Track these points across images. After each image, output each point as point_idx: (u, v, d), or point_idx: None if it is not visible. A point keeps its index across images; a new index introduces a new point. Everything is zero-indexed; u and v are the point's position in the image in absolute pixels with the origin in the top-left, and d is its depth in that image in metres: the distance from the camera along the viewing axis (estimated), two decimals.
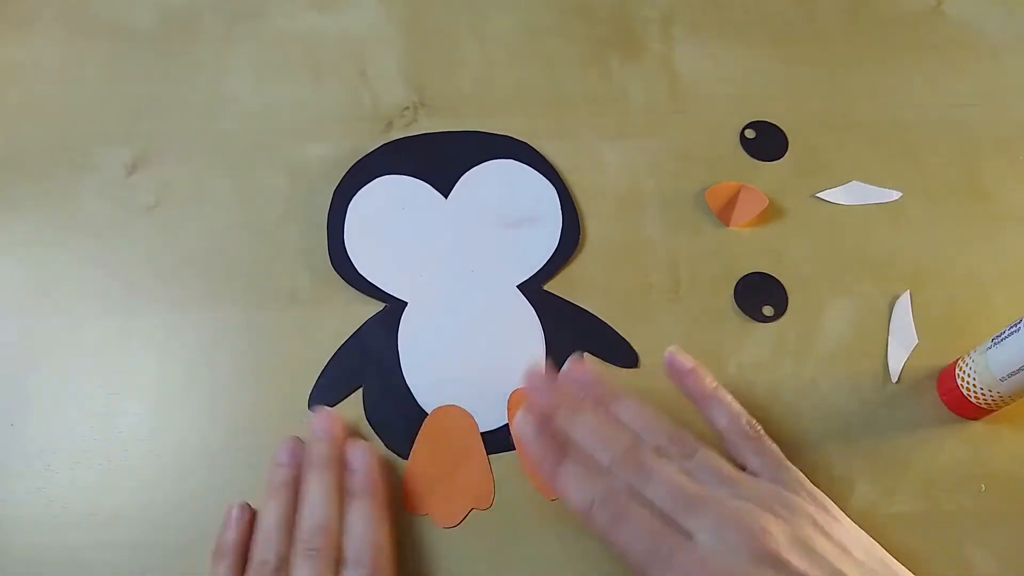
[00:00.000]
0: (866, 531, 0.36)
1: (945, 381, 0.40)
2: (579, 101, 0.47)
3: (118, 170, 0.44)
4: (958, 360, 0.39)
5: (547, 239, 0.43)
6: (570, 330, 0.41)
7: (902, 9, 0.51)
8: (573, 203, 0.44)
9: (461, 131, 0.46)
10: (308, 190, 0.44)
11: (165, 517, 0.37)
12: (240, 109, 0.46)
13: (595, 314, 0.42)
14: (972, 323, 0.42)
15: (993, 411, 0.39)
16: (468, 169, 0.45)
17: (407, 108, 0.47)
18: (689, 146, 0.46)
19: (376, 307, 0.41)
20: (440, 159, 0.45)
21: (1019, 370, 0.35)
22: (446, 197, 0.44)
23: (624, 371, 0.41)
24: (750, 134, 0.47)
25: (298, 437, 0.37)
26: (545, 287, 0.42)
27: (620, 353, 0.41)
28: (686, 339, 0.41)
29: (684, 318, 0.42)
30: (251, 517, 0.35)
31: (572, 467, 0.33)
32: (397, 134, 0.46)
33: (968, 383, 0.38)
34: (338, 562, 0.33)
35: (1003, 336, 0.36)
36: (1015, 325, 0.35)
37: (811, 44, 0.50)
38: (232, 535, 0.35)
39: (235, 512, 0.35)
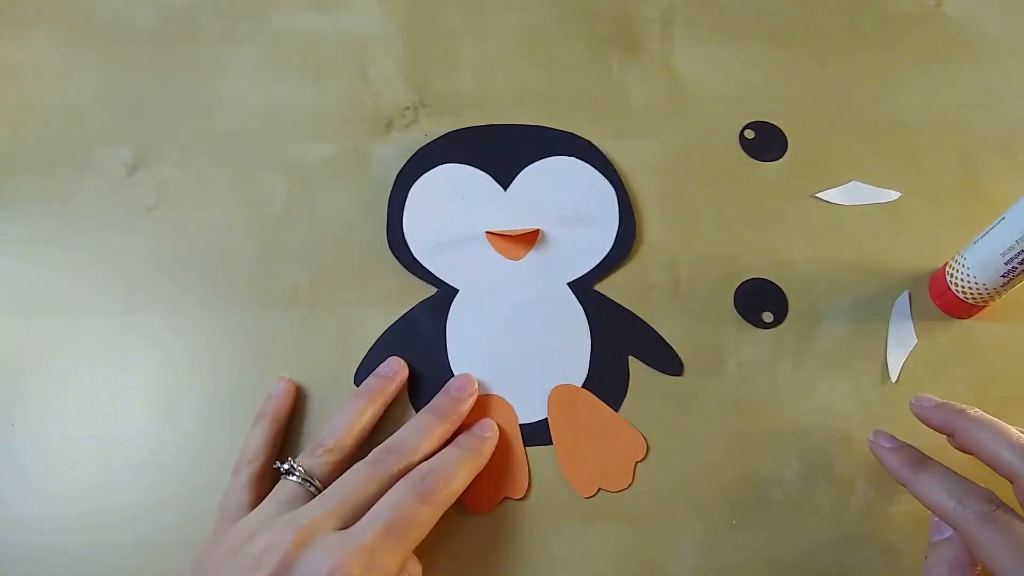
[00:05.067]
0: (866, 531, 0.36)
1: (936, 285, 0.42)
2: (579, 101, 0.47)
3: (118, 170, 0.44)
4: (947, 263, 0.41)
5: (602, 240, 0.43)
6: (617, 333, 0.41)
7: (902, 9, 0.51)
8: (631, 206, 0.44)
9: (526, 124, 0.46)
10: (308, 190, 0.44)
11: (165, 517, 0.37)
12: (240, 109, 0.46)
13: (645, 320, 0.42)
14: (972, 323, 0.42)
15: (983, 307, 0.41)
16: (529, 163, 0.45)
17: (407, 108, 0.47)
18: (689, 146, 0.46)
19: (377, 305, 0.41)
20: (503, 151, 0.45)
21: (1005, 260, 0.37)
22: (505, 189, 0.44)
23: (668, 379, 0.41)
24: (749, 134, 0.47)
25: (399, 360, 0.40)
26: (596, 287, 0.42)
27: (665, 361, 0.41)
28: (686, 339, 0.41)
29: (684, 318, 0.42)
30: (295, 393, 0.39)
31: (934, 472, 0.33)
32: (397, 134, 0.46)
33: (958, 281, 0.40)
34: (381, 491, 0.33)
35: (987, 232, 0.38)
36: (998, 220, 0.38)
37: (811, 44, 0.50)
38: (275, 404, 0.38)
39: (282, 384, 0.39)
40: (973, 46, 0.50)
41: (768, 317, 0.42)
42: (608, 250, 0.43)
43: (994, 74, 0.49)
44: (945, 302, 0.42)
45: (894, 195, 0.46)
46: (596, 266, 0.43)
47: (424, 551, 0.36)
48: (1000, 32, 0.51)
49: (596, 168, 0.45)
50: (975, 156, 0.47)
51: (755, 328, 0.42)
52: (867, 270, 0.44)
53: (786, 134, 0.47)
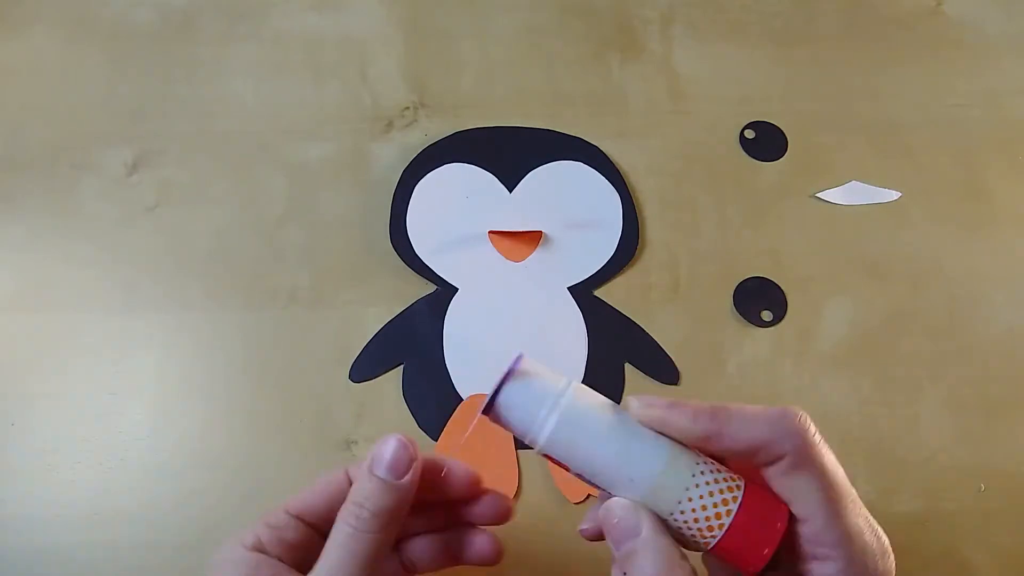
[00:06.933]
0: None
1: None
2: (579, 101, 0.47)
3: (118, 170, 0.44)
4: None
5: (605, 246, 0.43)
6: (614, 339, 0.41)
7: (902, 9, 0.51)
8: (636, 213, 0.44)
9: (535, 128, 0.46)
10: (308, 190, 0.44)
11: (165, 517, 0.37)
12: (240, 109, 0.46)
13: (644, 322, 0.42)
14: (972, 323, 0.43)
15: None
16: (536, 166, 0.45)
17: (407, 108, 0.47)
18: (689, 146, 0.46)
19: (376, 305, 0.42)
20: (510, 153, 0.45)
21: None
22: (511, 191, 0.44)
23: (664, 387, 0.41)
24: (750, 134, 0.47)
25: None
26: (595, 293, 0.43)
27: (662, 369, 0.41)
28: (685, 339, 0.41)
29: (683, 318, 0.42)
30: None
31: None
32: (397, 134, 0.46)
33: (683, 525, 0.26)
34: None
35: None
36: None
37: (811, 44, 0.50)
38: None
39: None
40: (973, 46, 0.50)
41: (767, 316, 0.42)
42: (610, 256, 0.43)
43: (994, 74, 0.49)
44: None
45: (894, 195, 0.46)
46: (597, 272, 0.43)
47: None
48: (1000, 32, 0.51)
49: (602, 174, 0.45)
50: (975, 156, 0.47)
51: (754, 327, 0.42)
52: (867, 270, 0.44)
53: (786, 134, 0.47)
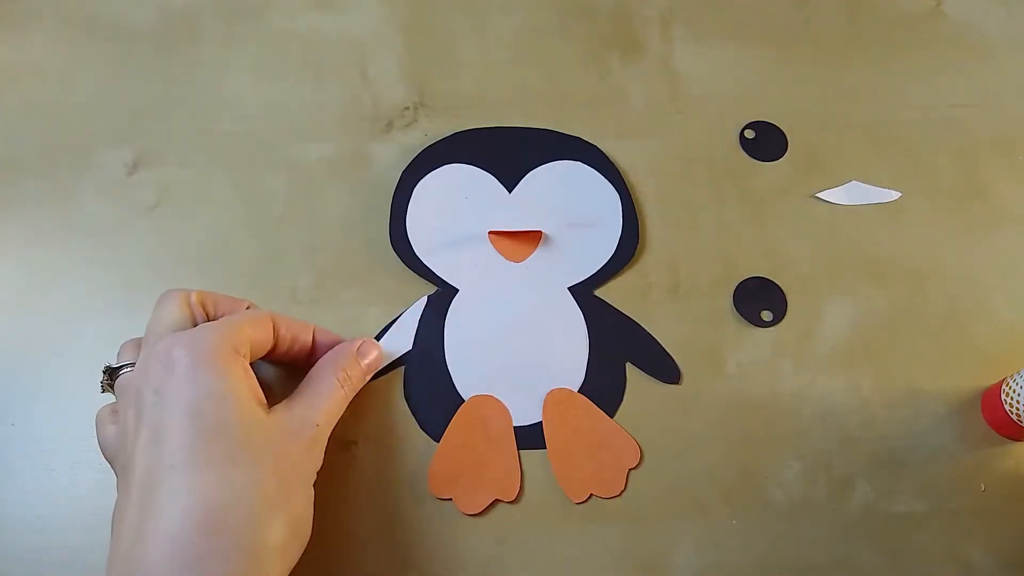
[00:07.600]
0: (866, 531, 0.36)
1: (989, 401, 0.40)
2: (579, 101, 0.47)
3: (118, 170, 0.44)
4: (1004, 380, 0.39)
5: (605, 246, 0.43)
6: (615, 339, 0.41)
7: (902, 9, 0.51)
8: (636, 212, 0.44)
9: (534, 128, 0.46)
10: (308, 190, 0.44)
11: None
12: (240, 109, 0.46)
13: (644, 322, 0.42)
14: (972, 323, 0.43)
15: None
16: (536, 166, 0.45)
17: (407, 108, 0.47)
18: (689, 146, 0.46)
19: (377, 305, 0.42)
20: (509, 153, 0.45)
21: None
22: (510, 191, 0.44)
23: (666, 387, 0.41)
24: (749, 134, 0.47)
25: None
26: (596, 293, 0.42)
27: (663, 369, 0.41)
28: (685, 339, 0.41)
29: (684, 318, 0.42)
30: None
31: None
32: (397, 134, 0.46)
33: (1014, 404, 0.38)
34: None
35: None
36: None
37: (810, 44, 0.50)
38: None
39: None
40: (973, 46, 0.50)
41: (767, 316, 0.42)
42: (610, 256, 0.43)
43: (994, 74, 0.49)
44: (997, 421, 0.39)
45: (894, 195, 0.46)
46: (597, 271, 0.43)
47: (413, 549, 0.36)
48: (1000, 32, 0.51)
49: (602, 173, 0.45)
50: (975, 156, 0.47)
51: (754, 327, 0.42)
52: (867, 270, 0.44)
53: (786, 134, 0.47)
